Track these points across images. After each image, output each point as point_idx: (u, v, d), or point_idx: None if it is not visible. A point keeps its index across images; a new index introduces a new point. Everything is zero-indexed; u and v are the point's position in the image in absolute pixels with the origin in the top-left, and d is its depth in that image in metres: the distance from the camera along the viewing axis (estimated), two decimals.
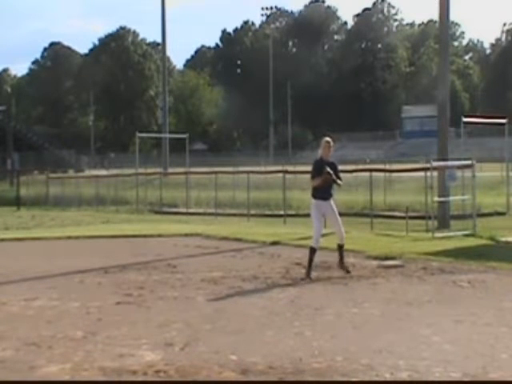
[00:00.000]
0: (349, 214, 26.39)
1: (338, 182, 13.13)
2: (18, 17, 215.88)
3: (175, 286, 12.02)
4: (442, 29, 24.90)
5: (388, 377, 6.87)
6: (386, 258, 14.73)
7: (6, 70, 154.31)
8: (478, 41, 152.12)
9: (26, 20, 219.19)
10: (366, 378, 6.85)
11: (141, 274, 13.28)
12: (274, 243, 18.01)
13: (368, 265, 14.09)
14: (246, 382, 6.88)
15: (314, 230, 13.17)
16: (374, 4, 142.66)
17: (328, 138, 13.28)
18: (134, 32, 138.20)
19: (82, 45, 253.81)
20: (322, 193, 13.07)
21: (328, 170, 12.79)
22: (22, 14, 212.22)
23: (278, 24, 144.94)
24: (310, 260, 12.80)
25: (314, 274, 12.79)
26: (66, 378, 7.04)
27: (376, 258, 14.92)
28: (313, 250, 12.92)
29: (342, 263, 13.32)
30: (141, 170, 41.37)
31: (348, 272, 13.08)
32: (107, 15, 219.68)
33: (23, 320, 9.62)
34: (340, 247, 13.38)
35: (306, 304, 10.41)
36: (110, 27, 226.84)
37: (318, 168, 12.98)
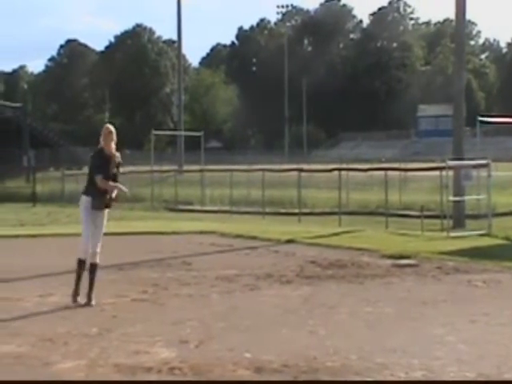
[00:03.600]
0: (363, 213, 26.45)
1: (123, 188, 10.88)
2: (33, 14, 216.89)
3: (190, 283, 12.04)
4: (458, 28, 24.85)
5: (402, 376, 6.86)
6: (401, 257, 14.70)
7: (22, 67, 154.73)
8: (494, 40, 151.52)
9: (41, 17, 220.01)
10: (381, 378, 6.84)
11: (155, 272, 13.31)
12: (289, 241, 18.00)
13: (382, 264, 14.06)
14: (259, 382, 6.88)
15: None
16: (390, 3, 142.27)
17: (109, 125, 11.00)
18: (150, 30, 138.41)
19: (98, 42, 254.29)
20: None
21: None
22: (37, 11, 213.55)
23: (293, 22, 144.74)
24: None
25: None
26: (81, 374, 7.06)
27: (391, 257, 14.89)
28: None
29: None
30: (156, 168, 41.39)
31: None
32: (122, 12, 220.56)
33: (38, 316, 9.66)
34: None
35: (320, 302, 10.40)
36: (125, 25, 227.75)
37: (103, 163, 10.63)
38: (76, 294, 10.46)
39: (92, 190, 10.57)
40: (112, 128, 10.86)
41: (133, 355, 7.65)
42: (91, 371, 7.13)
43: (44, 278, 12.80)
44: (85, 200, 10.63)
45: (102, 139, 10.70)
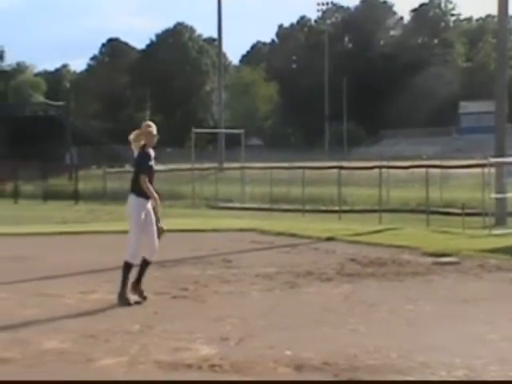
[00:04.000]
0: (404, 211, 26.33)
1: (159, 206, 10.76)
2: (74, 14, 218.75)
3: (230, 280, 12.07)
4: (501, 24, 24.59)
5: (444, 375, 6.82)
6: (442, 255, 14.60)
7: (65, 66, 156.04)
8: None
9: (82, 17, 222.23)
10: (422, 376, 6.81)
11: (196, 269, 13.36)
12: (329, 239, 17.95)
13: (423, 261, 13.98)
14: (300, 382, 6.89)
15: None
16: None
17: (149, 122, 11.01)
18: (191, 28, 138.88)
19: (138, 40, 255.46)
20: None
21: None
22: (78, 10, 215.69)
23: (333, 19, 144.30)
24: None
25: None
26: (123, 370, 7.12)
27: (432, 254, 14.79)
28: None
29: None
30: (196, 165, 41.53)
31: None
32: (163, 11, 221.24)
33: (80, 313, 9.75)
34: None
35: (360, 300, 10.38)
36: (165, 23, 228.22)
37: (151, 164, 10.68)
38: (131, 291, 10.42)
39: (140, 187, 10.44)
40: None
41: (173, 352, 7.69)
42: (132, 368, 7.19)
43: (86, 275, 12.91)
44: (138, 201, 10.49)
45: (144, 137, 10.65)
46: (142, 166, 10.55)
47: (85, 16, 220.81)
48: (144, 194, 10.42)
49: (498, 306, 10.07)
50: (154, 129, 10.80)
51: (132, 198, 10.54)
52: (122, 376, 6.96)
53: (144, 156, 10.59)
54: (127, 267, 10.45)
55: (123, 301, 10.23)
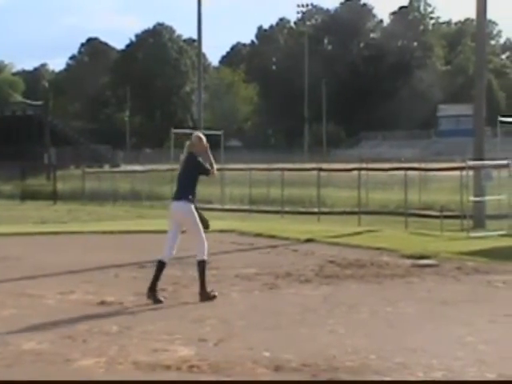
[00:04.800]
0: (383, 213, 26.37)
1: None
2: (54, 12, 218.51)
3: (209, 281, 11.99)
4: (479, 27, 24.72)
5: (421, 376, 6.85)
6: (421, 257, 14.65)
7: (44, 65, 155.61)
8: None
9: (62, 15, 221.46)
10: (400, 377, 6.84)
11: (176, 270, 13.31)
12: (308, 240, 17.99)
13: (402, 264, 14.02)
14: (279, 382, 6.89)
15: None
16: (411, 2, 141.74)
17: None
18: (171, 28, 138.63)
19: (118, 40, 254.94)
20: None
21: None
22: (58, 9, 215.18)
23: (313, 21, 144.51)
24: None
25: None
26: (101, 371, 7.10)
27: (410, 256, 14.84)
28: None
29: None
30: (176, 166, 41.39)
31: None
32: (143, 11, 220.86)
33: (59, 313, 9.71)
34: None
35: (339, 302, 10.40)
36: (145, 23, 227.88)
37: None
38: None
39: (194, 193, 10.94)
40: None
41: (152, 353, 7.68)
42: (111, 368, 7.17)
43: (65, 276, 12.88)
44: (191, 207, 10.77)
45: (195, 148, 10.96)
46: (202, 167, 11.03)
47: (64, 15, 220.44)
48: (192, 199, 10.81)
49: (476, 308, 10.12)
50: (204, 141, 11.14)
51: (183, 204, 10.78)
52: (100, 376, 6.94)
53: (199, 160, 11.01)
54: (204, 265, 10.71)
55: (206, 296, 10.51)
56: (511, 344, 8.15)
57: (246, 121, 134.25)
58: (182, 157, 11.09)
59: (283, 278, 12.42)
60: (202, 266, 10.67)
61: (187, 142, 11.07)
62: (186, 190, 10.86)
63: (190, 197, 10.79)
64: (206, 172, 11.07)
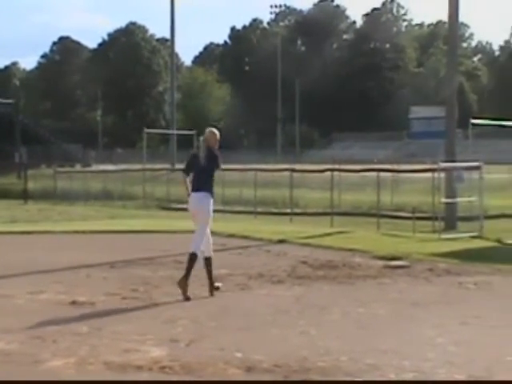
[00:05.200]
0: (356, 214, 26.45)
1: None
2: (25, 10, 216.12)
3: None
4: (451, 30, 24.89)
5: (393, 377, 6.87)
6: (393, 259, 14.69)
7: (14, 64, 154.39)
8: (486, 42, 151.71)
9: (33, 13, 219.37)
10: (371, 378, 6.85)
11: (147, 270, 13.29)
12: (281, 241, 17.98)
13: (374, 265, 14.06)
14: (250, 382, 6.88)
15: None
16: (383, 4, 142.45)
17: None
18: (144, 28, 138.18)
19: (90, 39, 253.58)
20: None
21: None
22: (29, 7, 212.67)
23: (286, 22, 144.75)
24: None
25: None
26: (71, 372, 7.05)
27: (382, 258, 14.88)
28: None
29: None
30: (148, 166, 41.32)
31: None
32: (115, 10, 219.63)
33: (29, 313, 9.63)
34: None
35: (311, 303, 10.41)
36: (118, 22, 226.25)
37: None
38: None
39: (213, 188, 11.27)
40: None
41: (123, 353, 7.64)
42: (81, 369, 7.12)
43: (35, 275, 12.78)
44: (211, 201, 11.09)
45: (213, 142, 11.29)
46: (219, 160, 11.28)
47: (36, 13, 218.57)
48: (213, 195, 11.21)
49: (447, 309, 10.16)
50: (217, 136, 11.46)
51: (206, 196, 11.06)
52: (70, 377, 6.90)
53: (217, 153, 11.32)
54: (210, 261, 11.18)
55: (213, 289, 11.01)
56: (481, 345, 8.18)
57: (218, 121, 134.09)
58: (202, 154, 11.25)
59: (255, 278, 12.41)
60: (209, 262, 11.17)
61: (201, 138, 11.43)
62: (207, 184, 11.18)
63: (212, 191, 11.18)
64: (219, 166, 11.33)
